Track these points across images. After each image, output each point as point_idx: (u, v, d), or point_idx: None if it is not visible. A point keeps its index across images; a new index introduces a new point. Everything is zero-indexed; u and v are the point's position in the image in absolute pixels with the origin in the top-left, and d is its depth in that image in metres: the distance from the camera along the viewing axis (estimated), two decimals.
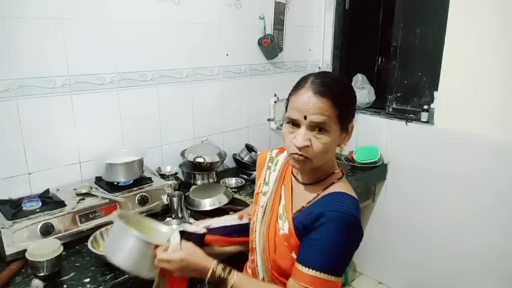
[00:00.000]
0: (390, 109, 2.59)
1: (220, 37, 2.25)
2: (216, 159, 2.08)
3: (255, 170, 2.17)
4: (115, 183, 1.72)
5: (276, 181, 1.14)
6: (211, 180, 2.12)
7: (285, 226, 1.03)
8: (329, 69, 2.79)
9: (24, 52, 1.58)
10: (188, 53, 2.11)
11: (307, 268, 0.93)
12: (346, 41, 2.81)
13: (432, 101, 2.34)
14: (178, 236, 1.05)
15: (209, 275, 0.99)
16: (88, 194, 1.63)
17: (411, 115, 2.46)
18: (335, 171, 1.07)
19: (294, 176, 1.11)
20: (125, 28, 1.85)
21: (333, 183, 1.05)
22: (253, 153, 2.38)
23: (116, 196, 1.62)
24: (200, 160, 2.01)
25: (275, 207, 1.09)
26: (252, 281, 1.07)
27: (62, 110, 1.73)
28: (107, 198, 1.60)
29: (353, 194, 1.02)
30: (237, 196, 1.97)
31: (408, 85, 2.50)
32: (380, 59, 2.99)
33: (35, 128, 1.66)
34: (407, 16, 2.44)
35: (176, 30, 2.04)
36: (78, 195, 1.62)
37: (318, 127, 0.95)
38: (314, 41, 2.80)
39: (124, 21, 1.84)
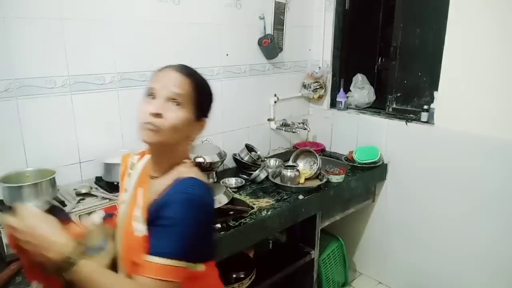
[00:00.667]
0: (390, 109, 2.59)
1: (220, 37, 2.25)
2: (216, 159, 2.08)
3: (255, 170, 2.19)
4: (115, 183, 1.72)
5: (134, 185, 1.05)
6: (211, 180, 2.13)
7: (142, 228, 0.94)
8: (329, 69, 2.79)
9: (24, 52, 1.58)
10: (188, 53, 2.11)
11: (152, 257, 0.85)
12: (346, 41, 2.81)
13: (432, 101, 2.34)
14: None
15: (58, 252, 0.81)
16: (88, 194, 1.63)
17: (411, 115, 2.46)
18: (185, 161, 1.03)
19: (151, 176, 1.05)
20: (125, 28, 1.85)
21: (183, 172, 1.00)
22: (253, 153, 2.38)
23: (116, 196, 1.62)
24: (200, 160, 2.01)
25: (131, 210, 0.99)
26: (105, 271, 0.88)
27: (62, 110, 1.73)
28: (107, 198, 1.60)
29: (203, 178, 0.99)
30: (237, 196, 1.97)
31: (408, 85, 2.50)
32: (380, 59, 2.99)
33: (35, 128, 1.66)
34: (407, 16, 2.44)
35: (176, 30, 2.04)
36: (78, 195, 1.62)
37: (175, 100, 0.97)
38: (314, 41, 2.80)
39: (124, 21, 1.84)
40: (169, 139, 0.98)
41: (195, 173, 1.00)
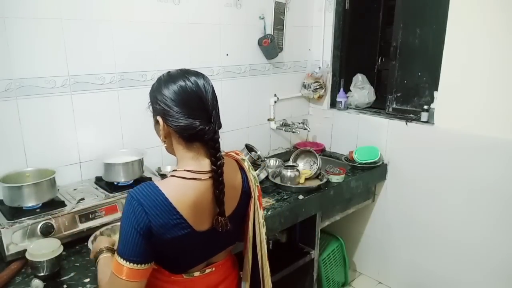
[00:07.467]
0: (390, 109, 2.59)
1: (220, 37, 2.25)
2: None
3: (255, 170, 2.18)
4: (115, 183, 1.72)
5: None
6: None
7: None
8: (329, 69, 2.79)
9: (24, 52, 1.58)
10: (188, 53, 2.11)
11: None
12: (346, 41, 2.81)
13: (432, 101, 2.34)
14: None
15: (97, 250, 1.17)
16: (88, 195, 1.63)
17: (411, 115, 2.46)
18: (176, 168, 1.06)
19: None
20: (125, 28, 1.85)
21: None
22: (253, 153, 2.38)
23: (116, 196, 1.62)
24: None
25: None
26: (105, 262, 1.12)
27: (62, 110, 1.73)
28: (107, 198, 1.60)
29: (162, 184, 0.99)
30: None
31: (408, 85, 2.50)
32: (380, 59, 2.99)
33: (35, 128, 1.66)
34: (407, 16, 2.44)
35: (176, 30, 2.04)
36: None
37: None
38: (314, 41, 2.80)
39: (124, 21, 1.84)
40: (167, 147, 1.08)
41: (166, 181, 1.01)
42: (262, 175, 2.17)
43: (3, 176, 1.51)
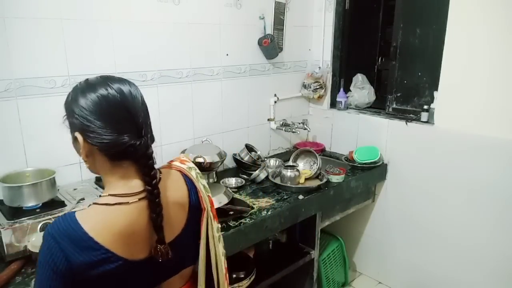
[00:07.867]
0: (390, 109, 2.59)
1: (220, 37, 2.25)
2: (216, 159, 2.08)
3: (255, 170, 2.19)
4: None
5: None
6: (211, 180, 2.12)
7: None
8: (329, 69, 2.79)
9: (24, 52, 1.58)
10: (188, 53, 2.11)
11: None
12: (346, 41, 2.81)
13: (432, 101, 2.34)
14: None
15: None
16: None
17: (411, 115, 2.46)
18: (102, 194, 0.91)
19: None
20: (125, 28, 1.85)
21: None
22: (253, 153, 2.38)
23: None
24: (200, 160, 2.01)
25: None
26: None
27: (62, 110, 1.72)
28: None
29: (82, 215, 0.84)
30: (237, 196, 1.97)
31: (408, 85, 2.50)
32: (380, 59, 2.99)
33: (35, 128, 1.66)
34: (407, 16, 2.44)
35: (176, 30, 2.04)
36: None
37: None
38: (314, 41, 2.80)
39: (124, 21, 1.84)
40: (89, 167, 0.95)
41: (86, 211, 0.88)
42: (262, 175, 2.18)
43: (3, 176, 1.51)
